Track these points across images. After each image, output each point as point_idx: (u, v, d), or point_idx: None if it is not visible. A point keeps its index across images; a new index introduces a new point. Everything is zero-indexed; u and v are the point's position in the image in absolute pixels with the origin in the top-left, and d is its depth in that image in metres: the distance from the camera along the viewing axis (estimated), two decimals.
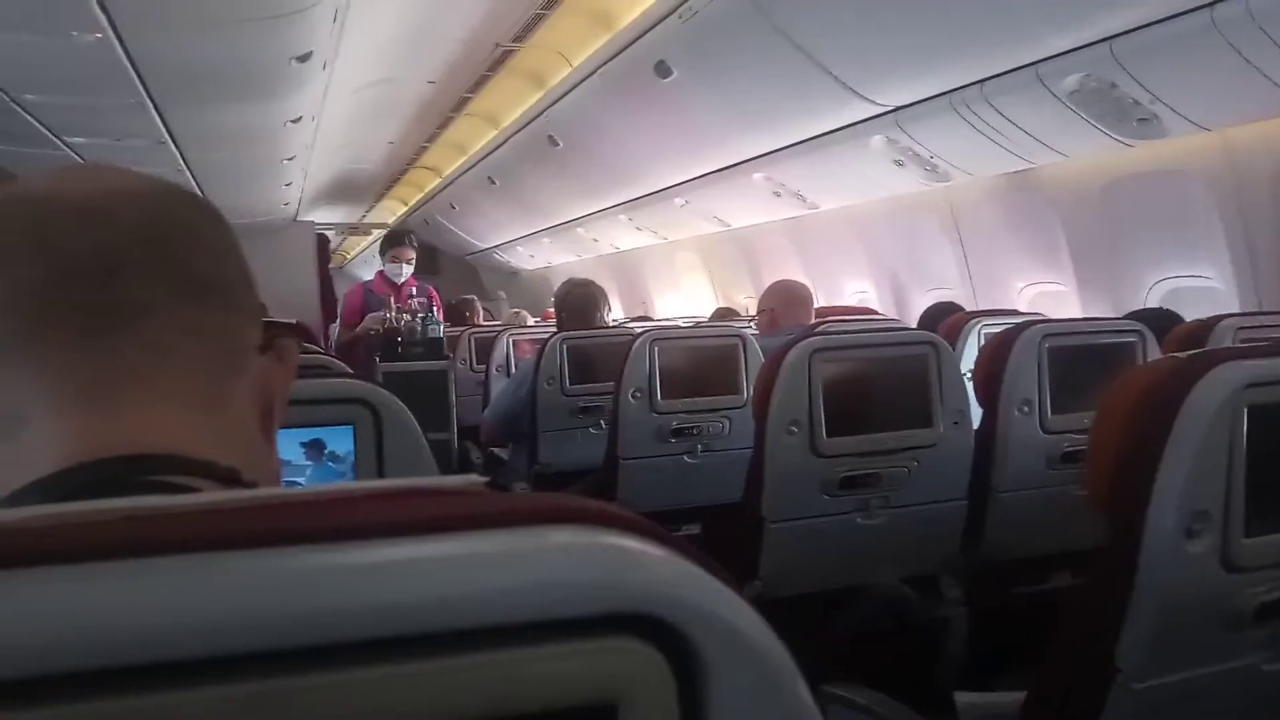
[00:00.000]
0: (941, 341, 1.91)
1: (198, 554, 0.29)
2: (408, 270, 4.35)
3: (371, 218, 10.86)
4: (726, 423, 2.60)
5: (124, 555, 0.29)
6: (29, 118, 3.88)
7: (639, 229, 6.50)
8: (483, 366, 4.39)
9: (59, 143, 4.42)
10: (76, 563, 0.28)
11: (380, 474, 1.04)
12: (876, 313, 4.08)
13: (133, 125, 4.11)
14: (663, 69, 3.88)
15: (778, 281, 3.05)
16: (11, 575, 0.28)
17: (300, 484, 0.98)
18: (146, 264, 0.48)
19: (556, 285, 9.23)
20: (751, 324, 3.30)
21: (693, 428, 2.57)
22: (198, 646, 0.27)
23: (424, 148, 7.41)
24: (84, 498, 0.42)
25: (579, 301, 3.20)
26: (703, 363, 2.63)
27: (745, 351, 2.59)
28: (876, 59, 3.17)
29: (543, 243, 8.26)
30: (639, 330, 2.86)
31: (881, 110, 3.45)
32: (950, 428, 1.87)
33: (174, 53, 3.09)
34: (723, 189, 4.96)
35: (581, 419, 3.07)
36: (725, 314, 4.34)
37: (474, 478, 0.39)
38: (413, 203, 9.58)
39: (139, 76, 3.31)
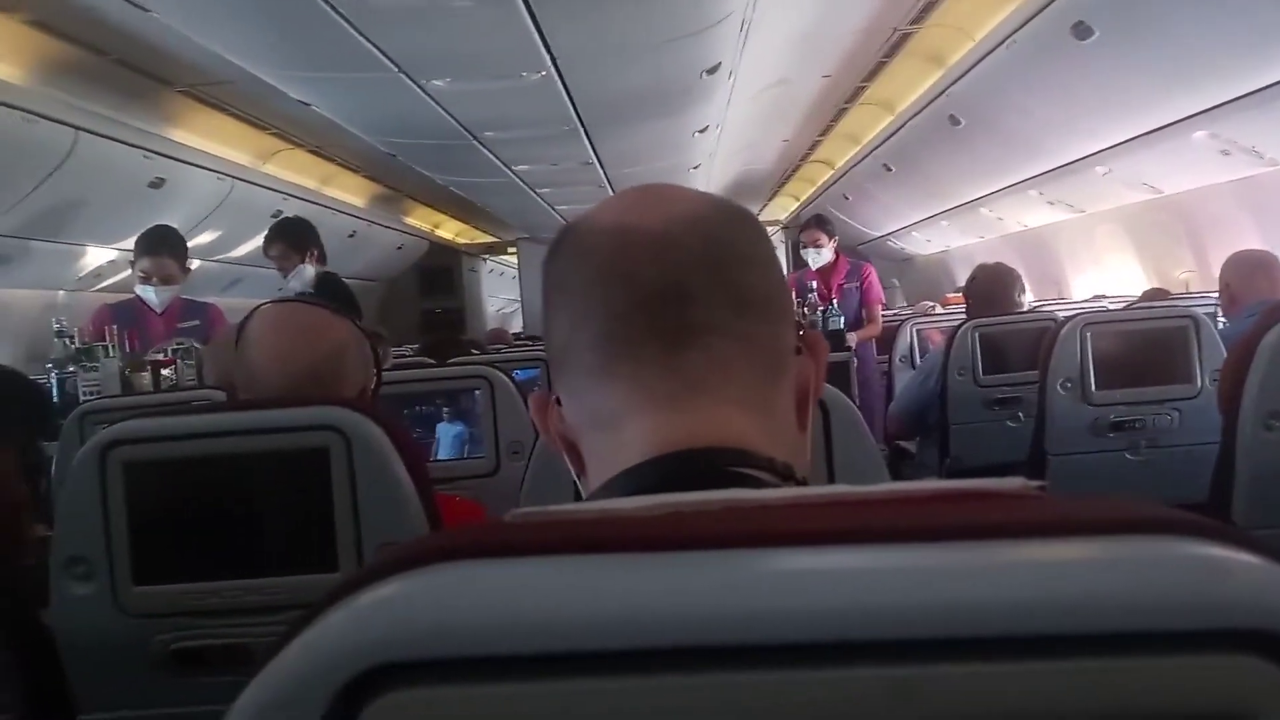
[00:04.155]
0: None
1: (804, 548, 0.33)
2: (823, 256, 4.33)
3: (765, 215, 11.15)
4: (1176, 415, 2.34)
5: (730, 546, 0.33)
6: (487, 152, 4.51)
7: (1051, 203, 6.02)
8: (884, 357, 4.34)
9: (507, 171, 5.08)
10: (689, 550, 0.34)
11: (830, 475, 1.07)
12: None
13: (567, 150, 4.60)
14: (1082, 30, 3.56)
15: (1237, 252, 2.68)
16: (647, 559, 0.33)
17: None
18: (708, 288, 0.55)
19: (955, 270, 8.79)
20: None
21: (1135, 421, 2.35)
22: (820, 630, 0.30)
23: (817, 142, 7.46)
24: (670, 484, 0.50)
25: (990, 285, 3.05)
26: (1145, 348, 2.39)
27: (1198, 334, 2.32)
28: None
29: (940, 226, 7.95)
30: (1066, 314, 2.67)
31: None
32: None
33: (603, 80, 3.42)
34: (1154, 153, 4.44)
35: (998, 411, 2.92)
36: (1155, 296, 3.86)
37: (1025, 481, 0.40)
38: (805, 197, 9.69)
39: (573, 105, 3.71)
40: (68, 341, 2.53)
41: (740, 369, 0.55)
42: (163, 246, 2.95)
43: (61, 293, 4.96)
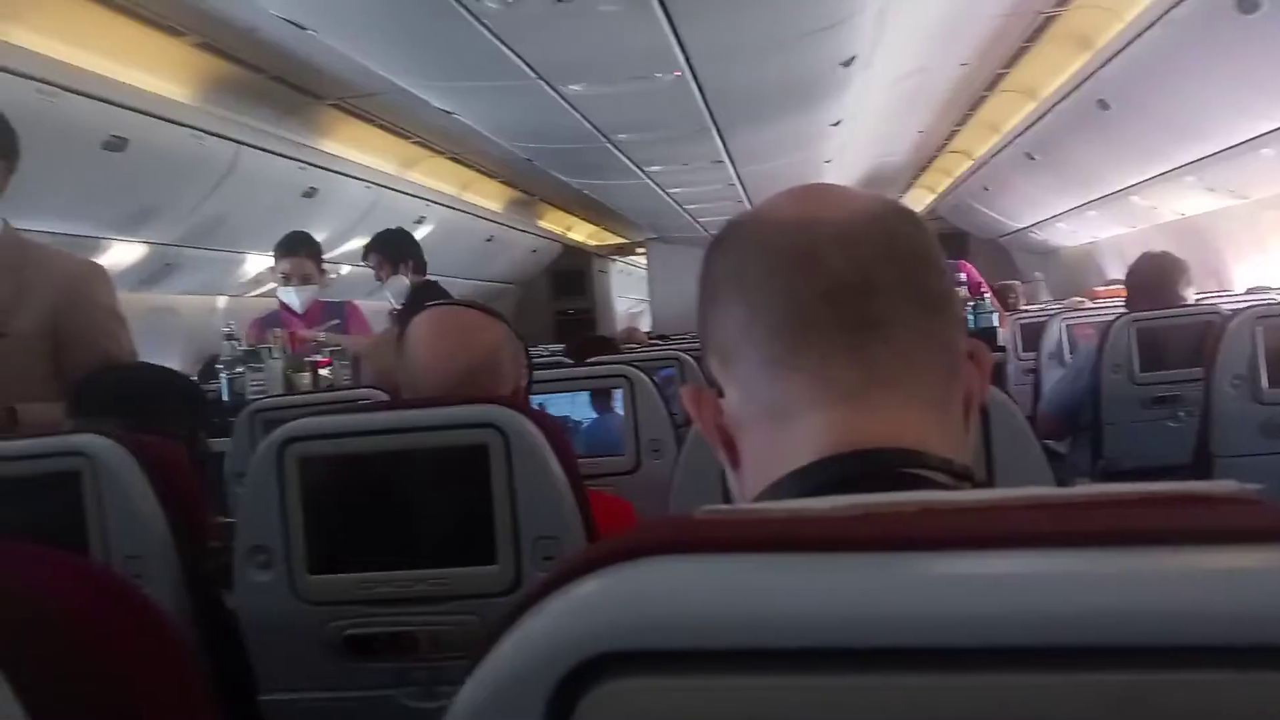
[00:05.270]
0: None
1: (1017, 550, 0.32)
2: None
3: None
4: None
5: (940, 548, 0.33)
6: (619, 154, 4.57)
7: (1210, 190, 5.67)
8: (1030, 354, 4.18)
9: (639, 172, 5.13)
10: (894, 551, 0.34)
11: (990, 478, 1.04)
12: None
13: (697, 150, 4.62)
14: (1247, 3, 3.35)
15: None
16: (839, 559, 0.33)
17: None
18: (894, 283, 0.55)
19: (1103, 261, 8.39)
20: None
21: None
22: (1034, 635, 0.30)
23: (954, 131, 7.25)
24: (843, 486, 0.50)
25: (1153, 276, 2.89)
26: None
27: None
28: None
29: (1087, 216, 7.60)
30: (1234, 308, 2.51)
31: None
32: None
33: (737, 77, 3.42)
34: None
35: (1156, 410, 2.78)
36: None
37: (1237, 484, 0.38)
38: (941, 189, 9.43)
39: (706, 104, 3.72)
40: (235, 344, 2.70)
41: (924, 366, 0.55)
42: (300, 247, 3.06)
43: (224, 298, 5.30)
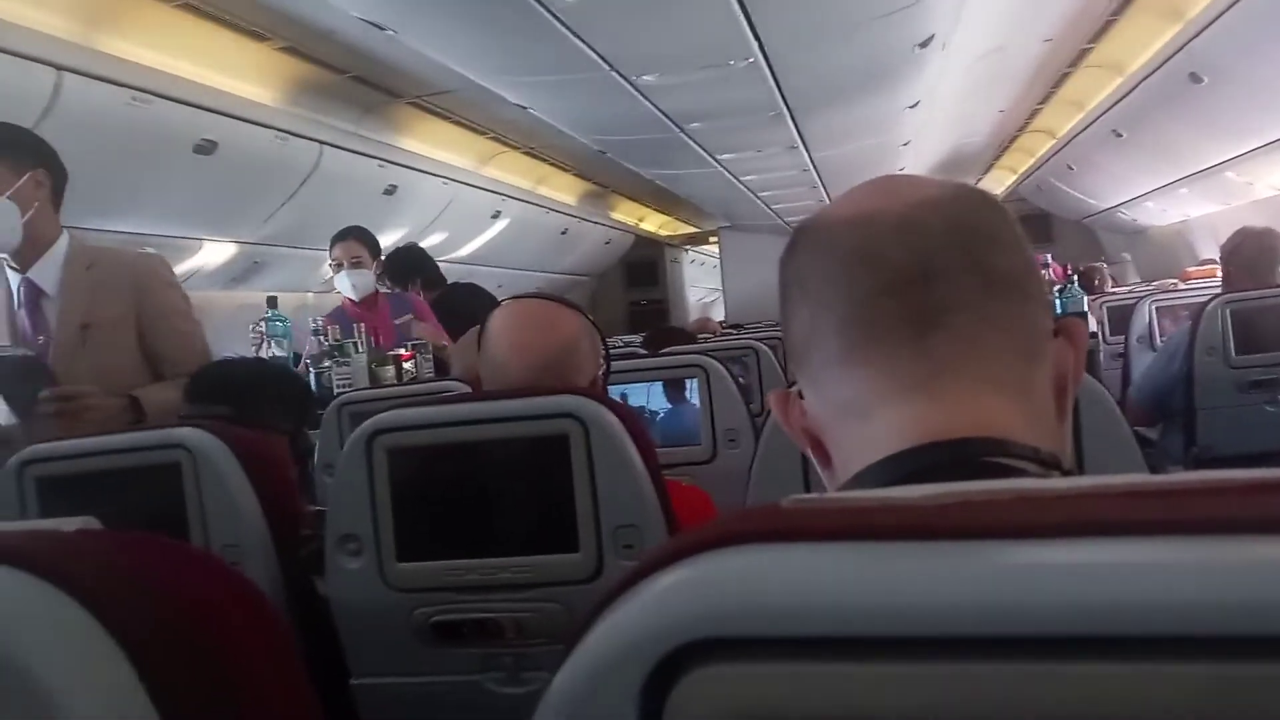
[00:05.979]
0: None
1: (1119, 539, 0.32)
2: None
3: None
4: None
5: (1038, 536, 0.33)
6: (692, 143, 4.56)
7: None
8: (1118, 338, 4.07)
9: (712, 160, 5.11)
10: (976, 539, 0.33)
11: (1080, 465, 1.01)
12: None
13: (770, 136, 4.58)
14: None
15: None
16: (936, 546, 0.33)
17: None
18: (954, 268, 0.54)
19: (1196, 241, 8.09)
20: None
21: None
22: (1135, 624, 0.29)
23: (1037, 110, 7.05)
24: (927, 476, 0.49)
25: (1254, 255, 2.77)
26: None
27: None
28: None
29: (1178, 194, 7.32)
30: None
31: None
32: None
33: (811, 61, 3.38)
34: None
35: (1253, 394, 2.68)
36: None
37: None
38: (1023, 169, 9.18)
39: (780, 90, 3.68)
40: (322, 340, 2.77)
41: (992, 349, 0.53)
42: (349, 233, 3.09)
43: (310, 294, 5.45)
